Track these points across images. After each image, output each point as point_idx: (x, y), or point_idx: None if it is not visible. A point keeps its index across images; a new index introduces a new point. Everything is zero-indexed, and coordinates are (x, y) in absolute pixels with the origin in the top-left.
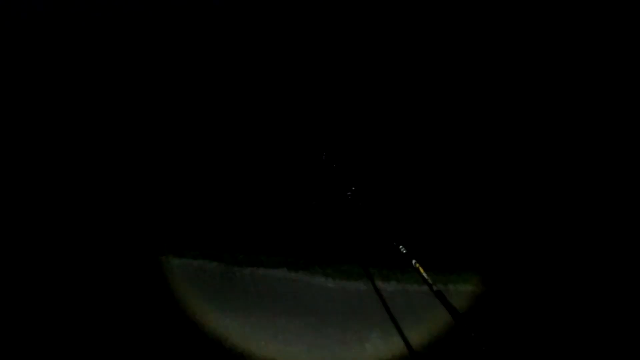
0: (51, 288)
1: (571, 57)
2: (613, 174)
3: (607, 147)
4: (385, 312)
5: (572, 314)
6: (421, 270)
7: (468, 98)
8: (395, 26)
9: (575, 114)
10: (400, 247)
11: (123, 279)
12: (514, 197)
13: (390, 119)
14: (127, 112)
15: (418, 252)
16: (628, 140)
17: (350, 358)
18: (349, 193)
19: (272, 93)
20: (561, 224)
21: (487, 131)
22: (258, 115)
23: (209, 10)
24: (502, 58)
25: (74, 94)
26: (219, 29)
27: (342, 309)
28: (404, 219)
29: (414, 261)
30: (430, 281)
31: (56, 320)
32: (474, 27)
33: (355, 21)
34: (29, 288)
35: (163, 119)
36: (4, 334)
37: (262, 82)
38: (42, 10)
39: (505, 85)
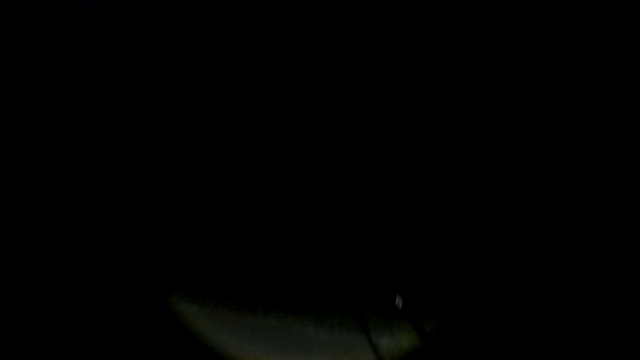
0: (54, 327)
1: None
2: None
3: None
4: None
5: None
6: (421, 326)
7: (463, 154)
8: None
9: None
10: (398, 299)
11: (119, 319)
12: (515, 247)
13: (389, 162)
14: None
15: (416, 303)
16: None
17: None
18: (345, 238)
19: (267, 136)
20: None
21: (485, 182)
22: (254, 156)
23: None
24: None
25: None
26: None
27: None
28: (402, 267)
29: (412, 317)
30: (429, 337)
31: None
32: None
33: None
34: (28, 326)
35: (166, 170)
36: None
37: (258, 125)
38: (43, 17)
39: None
